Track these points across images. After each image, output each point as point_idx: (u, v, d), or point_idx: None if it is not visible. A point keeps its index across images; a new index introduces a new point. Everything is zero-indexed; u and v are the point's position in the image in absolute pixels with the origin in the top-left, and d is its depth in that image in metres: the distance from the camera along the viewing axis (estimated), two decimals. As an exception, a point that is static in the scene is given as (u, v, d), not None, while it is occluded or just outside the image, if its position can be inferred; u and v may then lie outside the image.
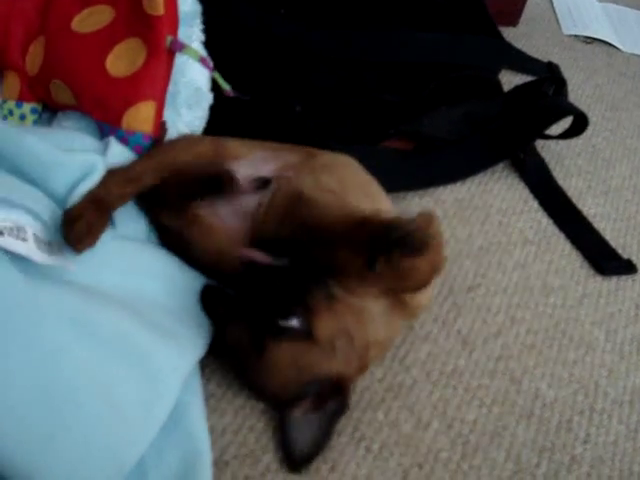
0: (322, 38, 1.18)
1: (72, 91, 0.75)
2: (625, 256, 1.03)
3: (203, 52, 0.81)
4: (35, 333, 0.53)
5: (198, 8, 0.81)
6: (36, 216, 0.61)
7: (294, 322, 0.62)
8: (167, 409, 0.61)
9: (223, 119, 0.85)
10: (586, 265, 1.01)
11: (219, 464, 0.65)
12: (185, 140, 0.77)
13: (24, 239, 0.56)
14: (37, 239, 0.58)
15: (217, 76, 0.81)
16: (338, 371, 0.65)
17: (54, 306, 0.56)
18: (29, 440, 0.50)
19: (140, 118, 0.73)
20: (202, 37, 0.82)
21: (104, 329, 0.59)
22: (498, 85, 1.26)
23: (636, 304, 0.96)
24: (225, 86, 0.83)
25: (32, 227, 0.58)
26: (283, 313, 0.62)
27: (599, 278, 0.99)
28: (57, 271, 0.60)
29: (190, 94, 0.78)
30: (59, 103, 0.78)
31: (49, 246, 0.60)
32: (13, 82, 0.81)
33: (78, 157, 0.67)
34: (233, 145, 0.77)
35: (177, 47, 0.74)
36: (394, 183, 1.02)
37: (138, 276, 0.68)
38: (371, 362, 0.70)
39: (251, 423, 0.69)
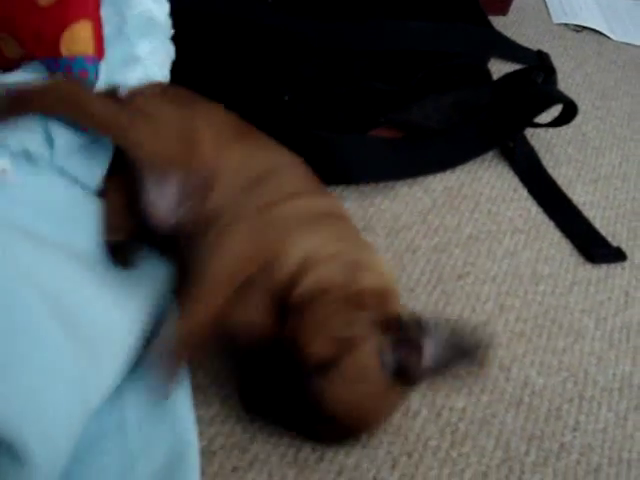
0: (310, 27, 1.17)
1: (14, 38, 0.74)
2: (615, 244, 1.03)
3: (166, 20, 0.79)
4: None
5: None
6: None
7: None
8: (135, 337, 0.61)
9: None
10: (575, 253, 1.00)
11: (207, 454, 0.65)
12: None
13: None
14: None
15: None
16: None
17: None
18: None
19: (78, 40, 0.71)
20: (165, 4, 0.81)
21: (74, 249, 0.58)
22: (487, 73, 1.25)
23: (625, 292, 0.96)
24: None
25: None
26: None
27: (589, 266, 0.99)
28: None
29: (141, 24, 0.77)
30: (12, 59, 0.77)
31: None
32: None
33: None
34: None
35: None
36: (383, 172, 1.02)
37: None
38: None
39: (238, 413, 0.69)
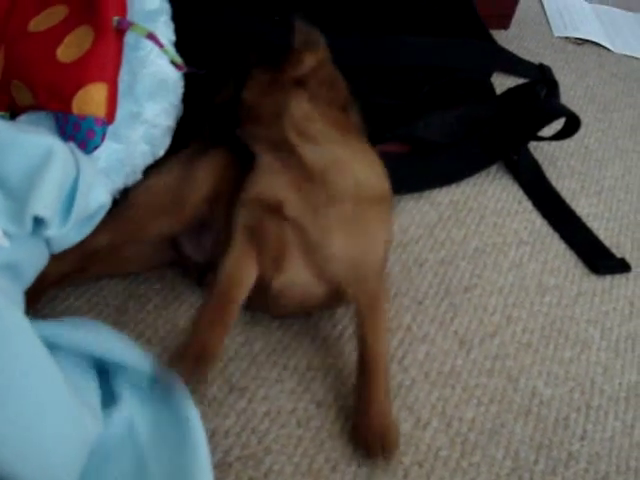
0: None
1: (28, 87, 0.75)
2: (619, 255, 1.05)
3: (173, 51, 0.80)
4: None
5: (165, 6, 0.80)
6: None
7: None
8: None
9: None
10: (580, 264, 1.02)
11: (223, 466, 0.66)
12: None
13: None
14: None
15: (168, 50, 0.79)
16: None
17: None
18: None
19: (90, 101, 0.71)
20: (171, 35, 0.81)
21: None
22: (491, 88, 1.27)
23: (630, 302, 0.98)
24: (178, 60, 0.81)
25: None
26: None
27: (593, 277, 1.00)
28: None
29: (152, 85, 0.77)
30: (22, 106, 0.78)
31: None
32: None
33: (34, 138, 0.63)
34: None
35: (124, 26, 0.72)
36: (390, 186, 1.03)
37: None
38: None
39: (253, 425, 0.70)
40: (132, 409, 0.64)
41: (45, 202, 0.59)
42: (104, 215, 0.67)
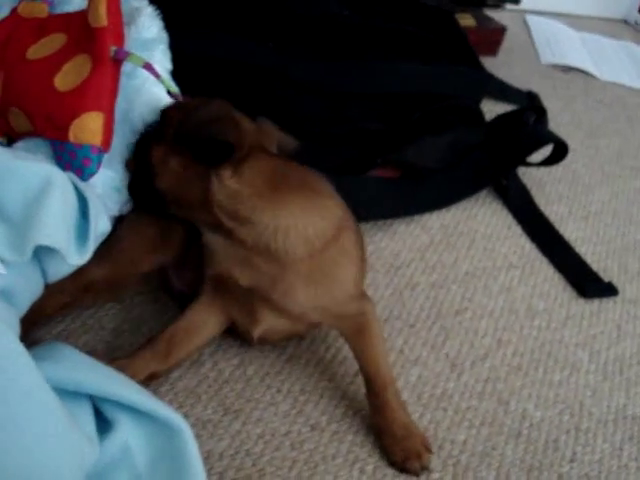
0: (306, 69, 1.20)
1: (25, 114, 0.76)
2: (606, 279, 1.07)
3: (170, 80, 0.81)
4: None
5: (163, 36, 0.82)
6: None
7: None
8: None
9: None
10: (569, 288, 1.04)
11: (217, 488, 0.67)
12: None
13: None
14: None
15: (164, 80, 0.81)
16: None
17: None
18: None
19: (87, 129, 0.72)
20: (168, 64, 0.82)
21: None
22: (480, 114, 1.29)
23: (618, 325, 0.99)
24: (174, 89, 0.82)
25: None
26: None
27: (582, 301, 1.02)
28: None
29: (148, 112, 0.78)
30: (19, 132, 0.79)
31: None
32: None
33: (32, 166, 0.64)
34: None
35: (121, 56, 0.73)
36: (381, 211, 1.05)
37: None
38: None
39: (247, 447, 0.71)
40: (127, 432, 0.65)
41: (47, 231, 0.60)
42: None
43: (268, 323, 0.74)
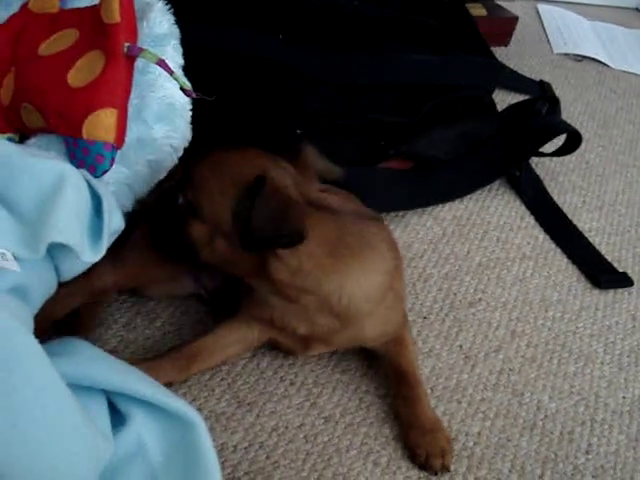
0: (318, 62, 1.20)
1: (38, 110, 0.75)
2: (620, 269, 1.06)
3: (182, 76, 0.81)
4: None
5: (174, 31, 0.81)
6: None
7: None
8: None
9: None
10: (583, 279, 1.03)
11: (231, 481, 0.67)
12: None
13: None
14: None
15: (177, 77, 0.80)
16: None
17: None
18: None
19: (100, 126, 0.72)
20: (180, 60, 0.81)
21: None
22: (492, 104, 1.28)
23: (633, 316, 0.99)
24: (187, 86, 0.82)
25: None
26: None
27: (596, 291, 1.01)
28: None
29: (160, 109, 0.78)
30: (31, 128, 0.79)
31: None
32: None
33: (45, 163, 0.64)
34: None
35: (134, 52, 0.73)
36: (394, 202, 1.04)
37: None
38: None
39: (261, 440, 0.71)
40: (141, 426, 0.65)
41: (60, 228, 0.60)
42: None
43: (319, 351, 0.78)
